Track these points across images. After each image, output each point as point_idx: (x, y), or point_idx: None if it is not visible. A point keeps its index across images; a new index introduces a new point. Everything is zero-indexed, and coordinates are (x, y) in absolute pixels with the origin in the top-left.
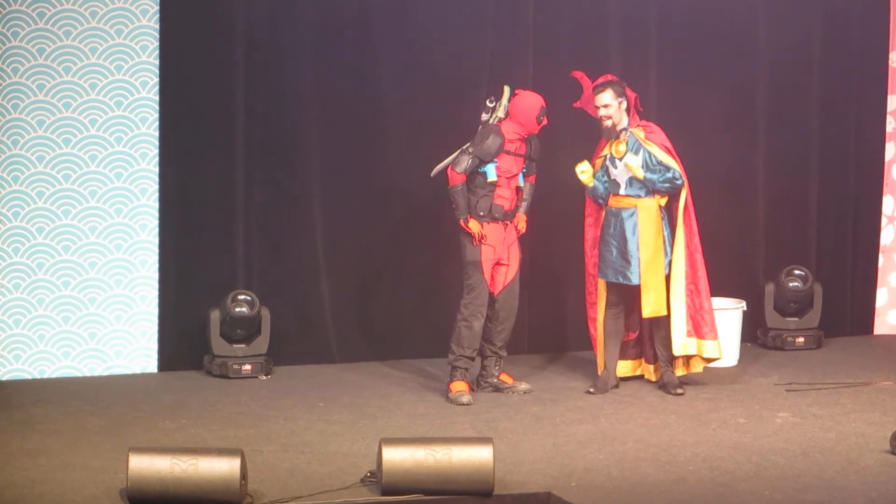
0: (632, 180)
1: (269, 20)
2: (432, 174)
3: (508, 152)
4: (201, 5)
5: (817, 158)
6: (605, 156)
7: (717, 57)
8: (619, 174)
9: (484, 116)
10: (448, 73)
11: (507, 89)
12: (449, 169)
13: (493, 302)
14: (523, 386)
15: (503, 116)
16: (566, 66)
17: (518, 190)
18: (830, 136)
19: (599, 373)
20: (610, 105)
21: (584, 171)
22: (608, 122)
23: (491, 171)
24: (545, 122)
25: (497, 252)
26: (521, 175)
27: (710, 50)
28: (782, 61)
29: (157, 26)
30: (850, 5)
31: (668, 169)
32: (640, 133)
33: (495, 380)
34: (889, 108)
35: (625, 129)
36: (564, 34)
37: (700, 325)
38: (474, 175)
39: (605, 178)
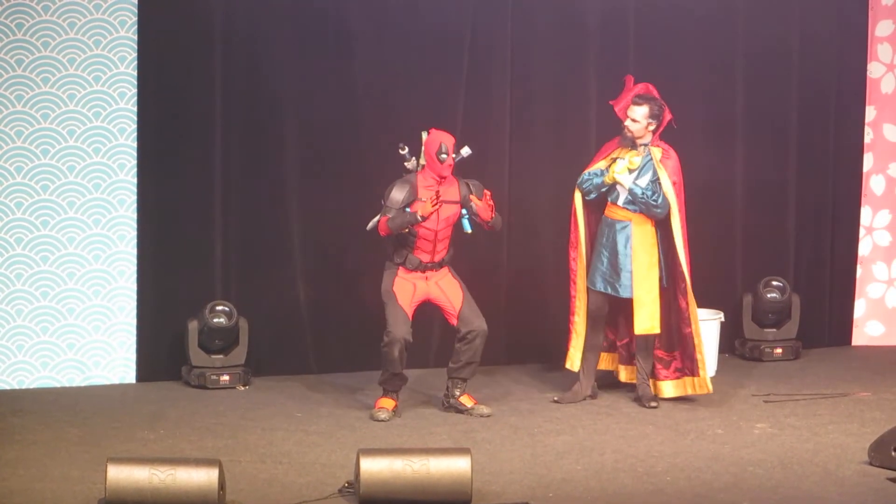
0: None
1: (248, 32)
2: (368, 228)
3: (423, 200)
4: (180, 17)
5: (795, 169)
6: (616, 159)
7: (694, 68)
8: (623, 183)
9: (406, 165)
10: (426, 81)
11: (424, 135)
12: (378, 225)
13: (456, 330)
14: (484, 410)
15: (425, 162)
16: (544, 75)
17: (450, 243)
18: (808, 146)
19: (570, 366)
20: (639, 122)
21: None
22: (629, 134)
23: None
24: (448, 161)
25: (418, 291)
26: (465, 221)
27: (687, 61)
28: (760, 72)
29: (136, 37)
30: (828, 16)
31: (656, 194)
32: (657, 153)
33: (455, 401)
34: (867, 119)
35: (645, 146)
36: (542, 44)
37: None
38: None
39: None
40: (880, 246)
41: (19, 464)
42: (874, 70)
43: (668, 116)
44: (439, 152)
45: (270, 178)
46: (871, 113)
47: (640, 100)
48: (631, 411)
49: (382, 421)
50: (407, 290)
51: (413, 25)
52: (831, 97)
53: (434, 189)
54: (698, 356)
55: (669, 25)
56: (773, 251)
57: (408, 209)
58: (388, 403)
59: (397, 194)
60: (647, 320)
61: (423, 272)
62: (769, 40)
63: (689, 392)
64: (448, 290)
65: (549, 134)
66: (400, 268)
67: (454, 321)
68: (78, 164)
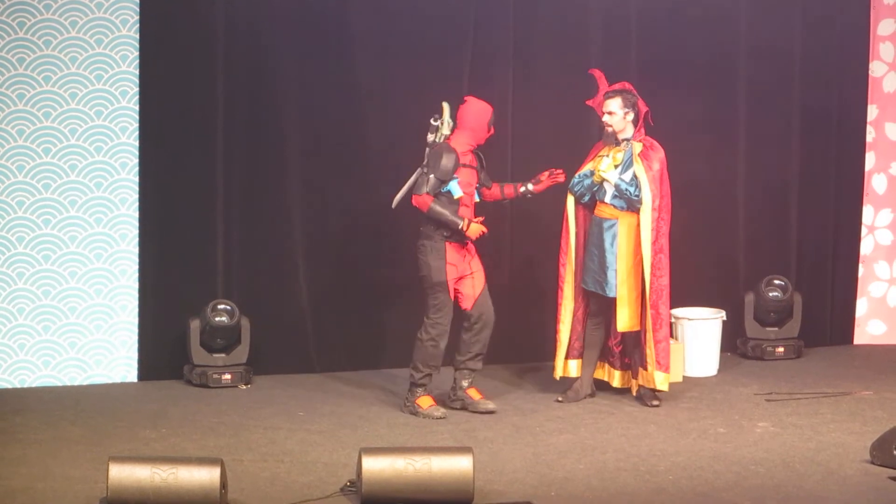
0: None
1: (250, 30)
2: (394, 205)
3: (465, 165)
4: (181, 15)
5: (798, 168)
6: (602, 157)
7: (697, 66)
8: (610, 180)
9: (430, 137)
10: (429, 76)
11: (445, 105)
12: (413, 198)
13: (468, 316)
14: (490, 405)
15: (448, 133)
16: (546, 75)
17: (475, 206)
18: (811, 145)
19: (555, 375)
20: (615, 113)
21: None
22: (609, 129)
23: (455, 188)
24: (493, 130)
25: (459, 269)
26: (476, 190)
27: (690, 59)
28: (762, 71)
29: (137, 36)
30: (830, 15)
31: (638, 188)
32: (637, 147)
33: (462, 393)
34: (869, 118)
35: (626, 140)
36: (544, 39)
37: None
38: (437, 196)
39: (590, 180)
40: (882, 245)
41: (21, 463)
42: (876, 69)
43: (643, 108)
44: (492, 120)
45: (273, 175)
46: (872, 112)
47: (611, 93)
48: (633, 410)
49: (441, 418)
50: (452, 275)
51: (415, 21)
52: (833, 96)
53: (469, 155)
54: (648, 351)
55: (671, 23)
56: (775, 250)
57: (455, 179)
58: (431, 400)
59: (448, 162)
60: (628, 318)
61: (465, 245)
62: (771, 39)
63: (637, 383)
64: (476, 272)
65: (552, 130)
66: (448, 244)
67: (468, 305)
68: (79, 163)
